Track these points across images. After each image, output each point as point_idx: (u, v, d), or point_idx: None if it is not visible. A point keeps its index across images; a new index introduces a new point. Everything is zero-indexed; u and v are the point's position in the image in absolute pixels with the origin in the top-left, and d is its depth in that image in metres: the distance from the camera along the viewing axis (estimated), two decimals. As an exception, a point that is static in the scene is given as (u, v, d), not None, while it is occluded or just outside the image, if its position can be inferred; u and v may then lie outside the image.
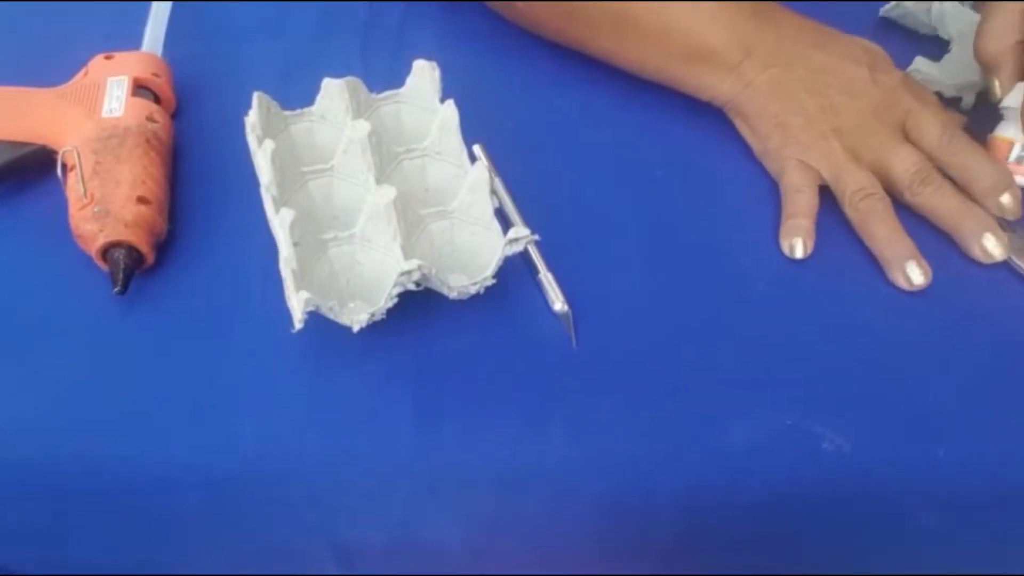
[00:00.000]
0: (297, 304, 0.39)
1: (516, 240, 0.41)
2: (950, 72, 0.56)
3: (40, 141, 0.48)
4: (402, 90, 0.50)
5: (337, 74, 0.48)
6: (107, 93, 0.48)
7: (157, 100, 0.50)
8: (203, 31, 0.57)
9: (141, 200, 0.44)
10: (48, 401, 0.41)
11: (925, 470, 0.41)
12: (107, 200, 0.44)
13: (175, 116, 0.52)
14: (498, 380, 0.42)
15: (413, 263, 0.39)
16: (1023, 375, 0.43)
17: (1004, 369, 0.44)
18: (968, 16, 0.57)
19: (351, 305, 0.43)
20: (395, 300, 0.41)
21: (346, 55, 0.56)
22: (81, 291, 0.44)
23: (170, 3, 0.56)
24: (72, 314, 0.44)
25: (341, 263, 0.44)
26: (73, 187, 0.45)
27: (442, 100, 0.47)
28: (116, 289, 0.43)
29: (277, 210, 0.43)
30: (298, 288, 0.40)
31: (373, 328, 0.43)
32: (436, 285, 0.41)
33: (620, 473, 0.41)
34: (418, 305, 0.45)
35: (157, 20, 0.55)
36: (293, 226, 0.41)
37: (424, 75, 0.49)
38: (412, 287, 0.41)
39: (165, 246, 0.46)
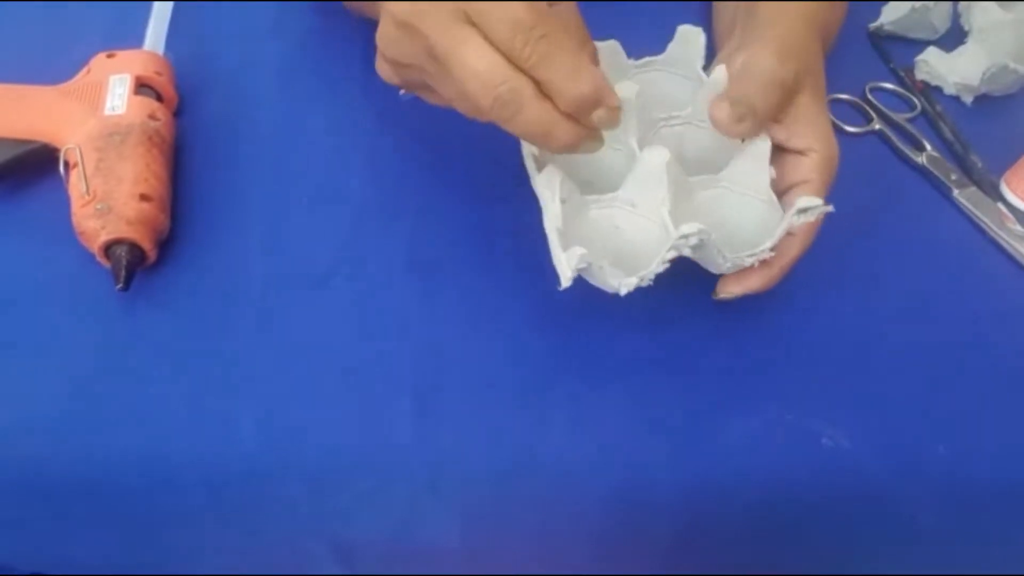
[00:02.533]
0: (567, 261, 0.37)
1: (808, 210, 0.38)
2: (957, 67, 0.57)
3: (42, 139, 0.48)
4: (661, 56, 0.47)
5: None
6: (109, 91, 0.49)
7: (159, 98, 0.50)
8: (205, 30, 0.57)
9: (143, 197, 0.44)
10: (49, 398, 0.41)
11: (924, 466, 0.41)
12: (109, 197, 0.44)
13: (177, 114, 0.52)
14: (498, 376, 0.43)
15: (694, 226, 0.37)
16: (1023, 372, 0.44)
17: (1004, 365, 0.44)
18: (995, 14, 0.58)
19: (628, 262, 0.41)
20: (667, 265, 0.38)
21: (347, 54, 0.56)
22: (83, 288, 0.44)
23: (172, 2, 0.56)
24: (74, 311, 0.44)
25: (600, 227, 0.42)
26: (75, 184, 0.45)
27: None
28: (118, 286, 0.43)
29: (539, 169, 0.41)
30: (565, 246, 0.38)
31: (373, 325, 0.44)
32: (710, 255, 0.39)
33: (620, 469, 0.41)
34: (418, 302, 0.45)
35: (159, 19, 0.55)
36: (563, 182, 0.39)
37: (688, 41, 0.46)
38: (687, 253, 0.39)
39: (167, 243, 0.46)
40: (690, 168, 0.45)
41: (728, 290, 0.42)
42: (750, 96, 0.40)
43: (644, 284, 0.38)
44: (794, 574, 0.46)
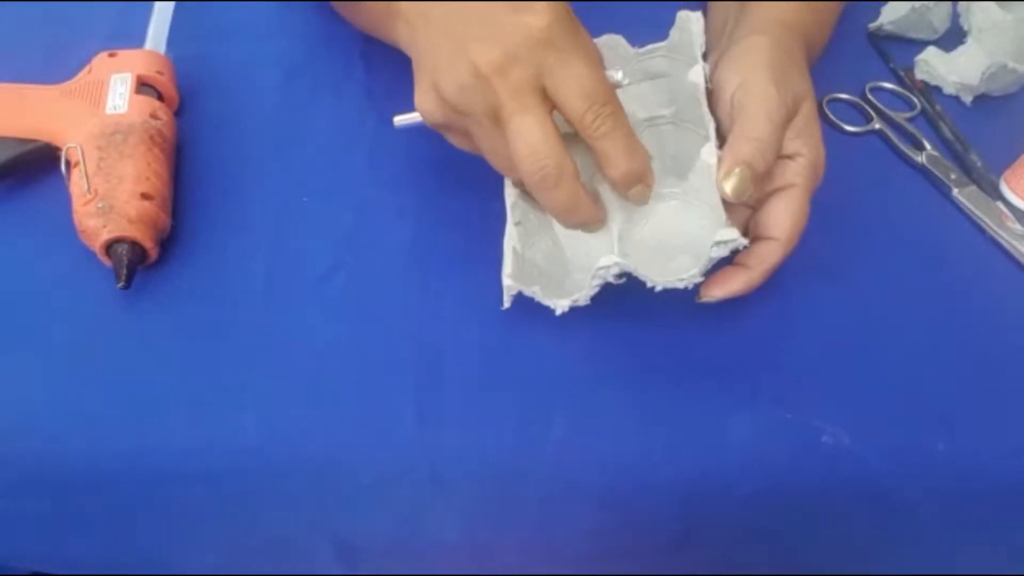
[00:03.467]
0: (505, 289, 0.41)
1: (723, 243, 0.39)
2: (956, 67, 0.57)
3: (44, 138, 0.48)
4: (664, 43, 0.48)
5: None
6: (111, 90, 0.49)
7: (160, 97, 0.51)
8: (206, 30, 0.58)
9: (144, 196, 0.45)
10: (51, 395, 0.42)
11: (924, 463, 0.41)
12: (111, 196, 0.44)
13: (178, 113, 0.52)
14: (499, 374, 0.43)
15: (610, 259, 0.39)
16: (1022, 369, 0.44)
17: (1004, 363, 0.44)
18: (994, 14, 0.58)
19: (576, 276, 0.44)
20: (596, 290, 0.40)
21: (348, 53, 0.57)
22: (84, 286, 0.45)
23: (173, 2, 0.56)
24: (75, 309, 0.44)
25: (566, 236, 0.45)
26: (77, 183, 0.45)
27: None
28: (119, 284, 0.43)
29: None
30: (514, 265, 0.41)
31: (375, 322, 0.44)
32: (640, 278, 0.40)
33: (620, 465, 0.41)
34: (419, 299, 0.45)
35: (160, 18, 0.55)
36: (514, 207, 0.42)
37: (687, 26, 0.46)
38: (612, 280, 0.40)
39: (168, 242, 0.46)
40: (677, 166, 0.45)
41: (710, 293, 0.42)
42: (752, 161, 0.40)
43: (580, 304, 0.41)
44: (794, 574, 0.46)
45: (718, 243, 0.39)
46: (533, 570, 0.44)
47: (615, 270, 0.39)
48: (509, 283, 0.41)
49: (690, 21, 0.46)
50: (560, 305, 0.41)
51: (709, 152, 0.41)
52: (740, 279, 0.41)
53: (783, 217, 0.41)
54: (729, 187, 0.40)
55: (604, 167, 0.40)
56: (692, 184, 0.43)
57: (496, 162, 0.40)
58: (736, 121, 0.41)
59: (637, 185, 0.40)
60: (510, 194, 0.43)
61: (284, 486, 0.42)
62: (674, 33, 0.47)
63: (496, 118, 0.38)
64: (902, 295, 0.46)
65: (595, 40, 0.44)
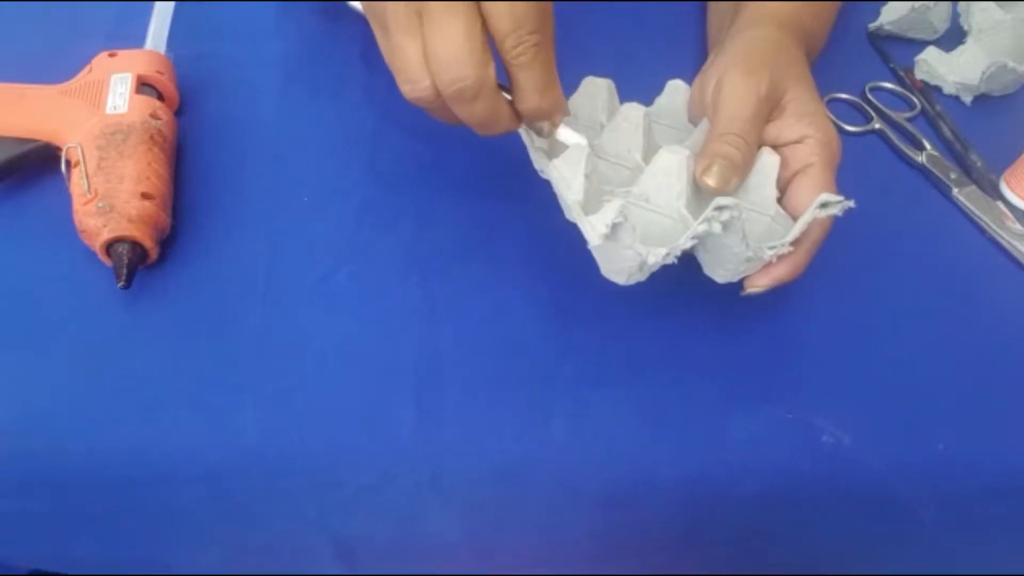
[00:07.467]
0: (600, 217, 0.36)
1: (828, 204, 0.37)
2: (956, 67, 0.57)
3: (44, 138, 0.48)
4: (651, 108, 0.47)
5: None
6: (111, 90, 0.49)
7: (161, 97, 0.51)
8: (206, 30, 0.58)
9: (145, 196, 0.45)
10: (51, 394, 0.41)
11: (924, 463, 0.41)
12: (111, 196, 0.44)
13: (178, 113, 0.52)
14: (499, 374, 0.43)
15: (730, 200, 0.36)
16: (1022, 370, 0.44)
17: (1004, 363, 0.44)
18: (994, 14, 0.58)
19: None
20: (693, 242, 0.37)
21: (348, 54, 0.57)
22: (84, 286, 0.45)
23: (174, 2, 0.56)
24: (76, 309, 0.44)
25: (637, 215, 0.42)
26: (77, 183, 0.45)
27: None
28: (120, 284, 0.43)
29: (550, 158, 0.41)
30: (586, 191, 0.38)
31: (374, 322, 0.44)
32: (732, 242, 0.38)
33: (621, 465, 0.41)
34: (419, 300, 0.45)
35: (161, 18, 0.55)
36: (588, 158, 0.39)
37: (679, 95, 0.47)
38: (717, 229, 0.37)
39: (168, 242, 0.46)
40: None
41: (756, 283, 0.41)
42: (727, 153, 0.40)
43: (670, 261, 0.37)
44: (794, 574, 0.46)
45: (823, 205, 0.38)
46: (533, 570, 0.44)
47: (726, 215, 0.37)
48: (621, 202, 0.35)
49: (681, 91, 0.46)
50: (655, 252, 0.37)
51: (771, 152, 0.41)
52: (784, 264, 0.40)
53: (806, 194, 0.41)
54: (712, 179, 0.39)
55: (515, 98, 0.37)
56: (747, 183, 0.42)
57: (399, 64, 0.36)
58: (711, 121, 0.42)
59: (544, 122, 0.39)
60: (578, 150, 0.40)
61: (284, 486, 0.41)
62: (661, 100, 0.47)
63: (417, 12, 0.34)
64: (902, 295, 0.46)
65: (597, 80, 0.45)
